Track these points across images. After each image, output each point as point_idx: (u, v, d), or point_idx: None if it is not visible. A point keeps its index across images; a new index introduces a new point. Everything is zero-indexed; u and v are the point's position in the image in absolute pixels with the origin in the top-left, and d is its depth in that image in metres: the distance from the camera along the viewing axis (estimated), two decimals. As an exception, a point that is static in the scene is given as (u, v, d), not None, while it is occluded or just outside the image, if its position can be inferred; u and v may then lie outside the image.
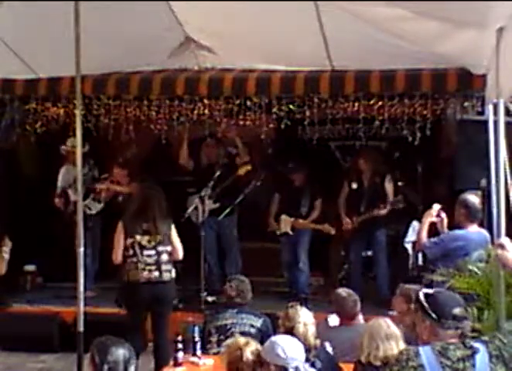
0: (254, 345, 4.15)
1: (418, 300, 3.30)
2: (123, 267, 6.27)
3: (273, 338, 4.10)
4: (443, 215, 5.77)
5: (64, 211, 8.34)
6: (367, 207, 7.96)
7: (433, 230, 5.81)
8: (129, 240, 6.22)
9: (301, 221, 8.26)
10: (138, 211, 6.32)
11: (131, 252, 6.21)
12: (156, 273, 6.20)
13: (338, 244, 8.58)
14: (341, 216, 8.19)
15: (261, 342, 4.27)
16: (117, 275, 6.54)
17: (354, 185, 8.18)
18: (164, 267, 6.23)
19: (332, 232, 8.11)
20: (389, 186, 8.03)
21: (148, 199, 6.39)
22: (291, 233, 8.30)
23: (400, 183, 8.79)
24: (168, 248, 6.29)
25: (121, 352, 3.39)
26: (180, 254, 6.39)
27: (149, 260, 6.19)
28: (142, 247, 6.20)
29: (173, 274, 6.32)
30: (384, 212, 7.85)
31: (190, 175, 8.83)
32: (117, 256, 6.26)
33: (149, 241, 6.21)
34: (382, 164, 8.30)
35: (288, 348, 3.93)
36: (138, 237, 6.21)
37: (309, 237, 8.28)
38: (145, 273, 6.17)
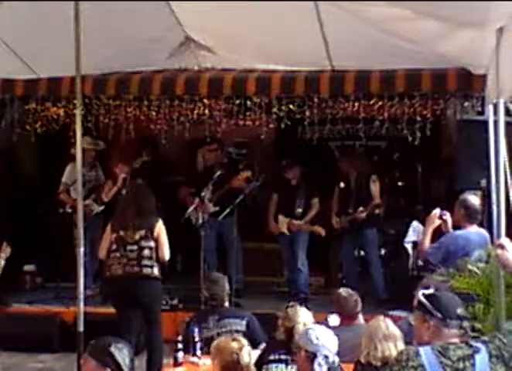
0: (246, 347, 4.15)
1: (418, 300, 3.29)
2: (107, 262, 6.29)
3: (310, 326, 4.16)
4: (447, 216, 5.72)
5: (64, 210, 8.32)
6: (355, 207, 7.96)
7: (437, 232, 5.76)
8: (113, 235, 6.23)
9: (295, 222, 8.25)
10: (123, 207, 6.38)
11: (114, 247, 6.21)
12: (136, 268, 6.15)
13: (338, 244, 8.58)
14: (331, 215, 8.20)
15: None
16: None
17: (342, 185, 8.17)
18: (144, 262, 6.16)
19: (323, 233, 8.09)
20: (374, 187, 7.99)
21: (133, 194, 6.47)
22: (287, 233, 8.28)
23: (400, 183, 8.82)
24: (152, 244, 6.20)
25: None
26: (166, 253, 6.27)
27: (131, 255, 6.16)
28: (125, 242, 6.18)
29: (155, 271, 6.20)
30: (363, 215, 7.84)
31: (190, 176, 8.82)
32: (102, 251, 6.30)
33: (131, 236, 6.17)
34: (367, 165, 8.31)
35: (322, 336, 3.95)
36: (121, 232, 6.20)
37: (307, 237, 8.26)
38: (127, 267, 6.15)
